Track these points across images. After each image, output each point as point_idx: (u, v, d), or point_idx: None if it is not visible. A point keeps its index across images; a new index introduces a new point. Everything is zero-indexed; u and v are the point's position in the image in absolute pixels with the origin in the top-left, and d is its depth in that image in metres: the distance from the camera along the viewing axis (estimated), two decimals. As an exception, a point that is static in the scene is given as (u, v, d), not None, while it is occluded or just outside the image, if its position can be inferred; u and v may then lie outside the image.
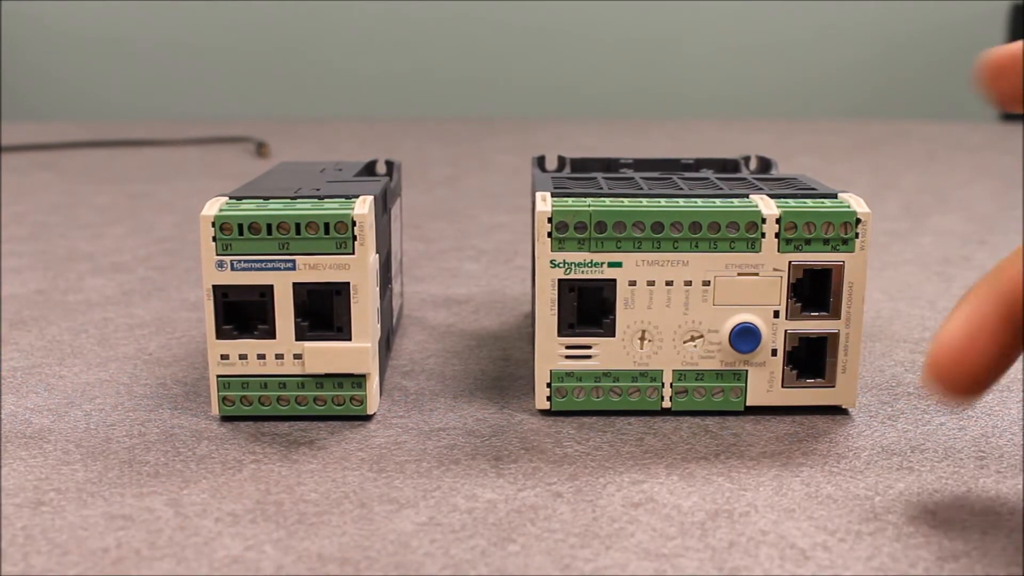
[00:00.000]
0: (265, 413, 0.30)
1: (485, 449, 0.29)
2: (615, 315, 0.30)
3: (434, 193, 0.79)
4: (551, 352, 0.31)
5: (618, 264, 0.30)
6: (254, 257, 0.29)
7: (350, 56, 1.80)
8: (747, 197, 0.30)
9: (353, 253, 0.29)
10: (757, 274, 0.30)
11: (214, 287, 0.29)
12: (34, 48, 1.80)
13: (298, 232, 0.29)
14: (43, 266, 0.52)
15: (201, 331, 0.40)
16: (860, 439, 0.29)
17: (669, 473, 0.27)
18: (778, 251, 0.30)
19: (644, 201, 0.30)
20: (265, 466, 0.28)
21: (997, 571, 0.22)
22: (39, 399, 0.33)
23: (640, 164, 0.39)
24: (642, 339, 0.30)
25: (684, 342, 0.30)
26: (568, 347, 0.31)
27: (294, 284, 0.29)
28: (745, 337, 0.30)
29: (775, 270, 0.30)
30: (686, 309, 0.30)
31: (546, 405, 0.31)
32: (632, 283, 0.30)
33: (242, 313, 0.30)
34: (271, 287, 0.29)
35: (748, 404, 0.31)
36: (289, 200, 0.30)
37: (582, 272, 0.30)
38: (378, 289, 0.31)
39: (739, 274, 0.30)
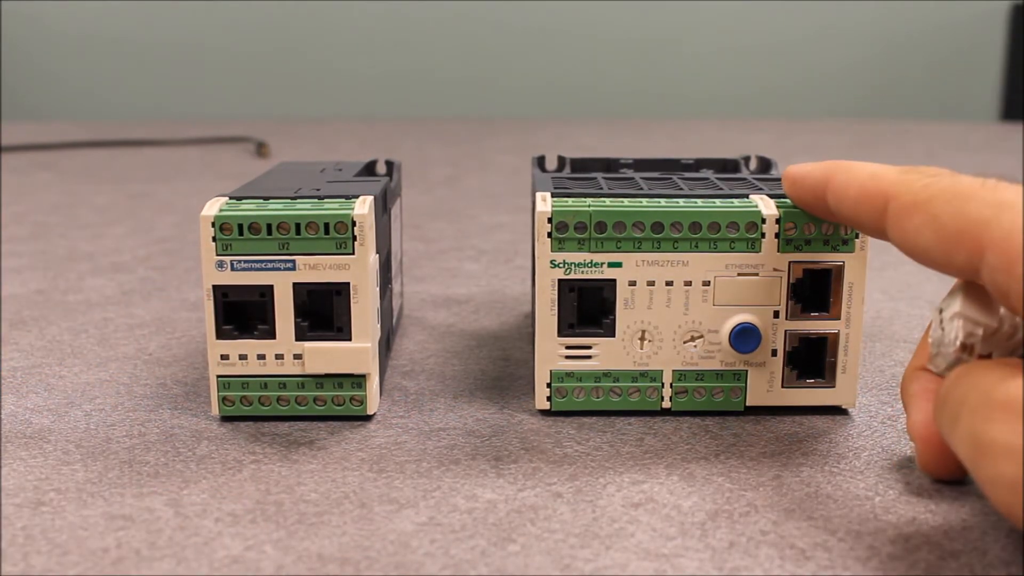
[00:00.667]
0: (265, 413, 0.30)
1: (485, 449, 0.29)
2: (615, 315, 0.30)
3: (434, 193, 0.79)
4: (551, 352, 0.31)
5: (618, 264, 0.30)
6: (254, 257, 0.29)
7: (350, 56, 1.80)
8: (747, 197, 0.30)
9: (353, 253, 0.29)
10: (757, 274, 0.30)
11: (214, 287, 0.29)
12: (34, 48, 1.80)
13: (298, 232, 0.29)
14: (43, 266, 0.52)
15: (201, 331, 0.40)
16: (860, 439, 0.29)
17: (669, 473, 0.27)
18: (778, 251, 0.30)
19: (644, 201, 0.30)
20: (265, 466, 0.28)
21: (997, 571, 0.22)
22: (39, 399, 0.33)
23: (640, 164, 0.39)
24: (642, 339, 0.30)
25: (684, 342, 0.30)
26: (568, 347, 0.31)
27: (294, 284, 0.29)
28: (745, 337, 0.30)
29: (775, 270, 0.30)
30: (686, 309, 0.30)
31: (546, 405, 0.31)
32: (632, 283, 0.30)
33: (242, 313, 0.30)
34: (271, 287, 0.29)
35: (748, 404, 0.31)
36: (289, 200, 0.30)
37: (582, 272, 0.30)
38: (378, 289, 0.31)
39: (739, 274, 0.30)
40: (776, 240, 0.30)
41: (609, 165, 0.40)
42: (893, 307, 0.44)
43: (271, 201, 0.30)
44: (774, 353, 0.31)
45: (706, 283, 0.30)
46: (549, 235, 0.30)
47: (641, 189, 0.32)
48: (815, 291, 0.31)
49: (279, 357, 0.30)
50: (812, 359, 0.31)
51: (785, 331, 0.30)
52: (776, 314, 0.30)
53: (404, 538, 0.24)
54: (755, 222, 0.29)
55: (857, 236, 0.30)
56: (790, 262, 0.30)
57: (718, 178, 0.34)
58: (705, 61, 1.82)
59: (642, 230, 0.29)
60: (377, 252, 0.31)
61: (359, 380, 0.30)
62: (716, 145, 1.12)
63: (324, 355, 0.30)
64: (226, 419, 0.31)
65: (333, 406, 0.30)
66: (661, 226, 0.29)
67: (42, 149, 1.08)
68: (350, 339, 0.30)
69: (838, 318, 0.30)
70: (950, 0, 1.81)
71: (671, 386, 0.31)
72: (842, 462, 0.28)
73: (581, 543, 0.23)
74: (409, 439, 0.29)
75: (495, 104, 1.81)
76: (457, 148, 1.10)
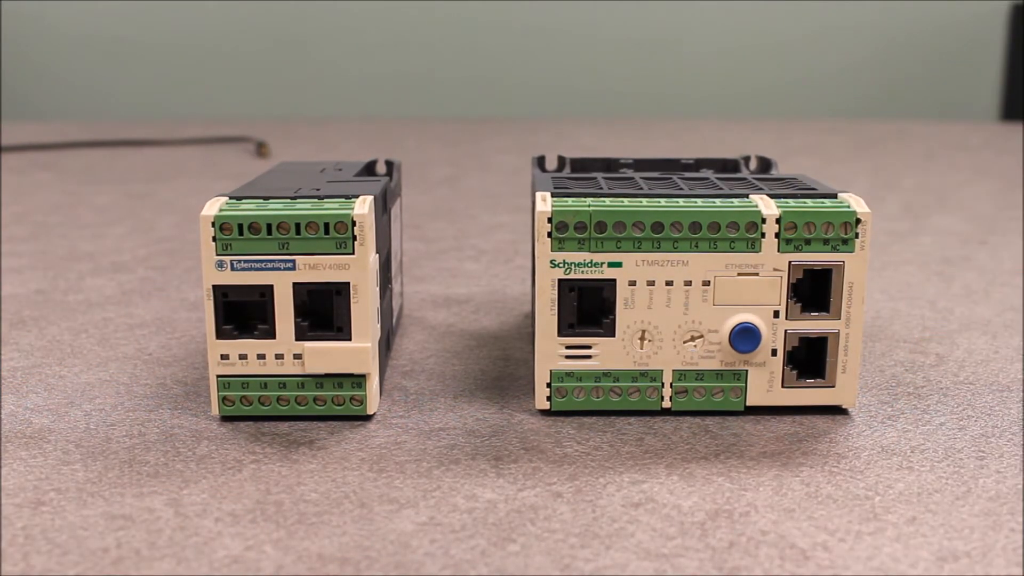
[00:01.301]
0: (265, 413, 0.30)
1: (485, 449, 0.29)
2: (615, 315, 0.30)
3: (434, 193, 0.79)
4: (551, 352, 0.31)
5: (618, 264, 0.30)
6: (254, 257, 0.29)
7: (350, 56, 1.80)
8: (747, 197, 0.30)
9: (353, 253, 0.29)
10: (757, 274, 0.30)
11: (214, 287, 0.29)
12: (34, 48, 1.80)
13: (298, 232, 0.29)
14: (43, 266, 0.52)
15: (201, 331, 0.40)
16: (860, 439, 0.29)
17: (669, 473, 0.27)
18: (778, 251, 0.30)
19: (644, 201, 0.30)
20: (265, 466, 0.28)
21: (997, 571, 0.22)
22: (39, 399, 0.33)
23: (640, 164, 0.39)
24: (642, 339, 0.30)
25: (684, 342, 0.30)
26: (568, 347, 0.31)
27: (294, 284, 0.29)
28: (745, 337, 0.30)
29: (775, 270, 0.30)
30: (686, 309, 0.30)
31: (546, 405, 0.31)
32: (632, 283, 0.30)
33: (242, 313, 0.30)
34: (271, 287, 0.29)
35: (748, 404, 0.31)
36: (289, 200, 0.30)
37: (582, 272, 0.30)
38: (378, 289, 0.31)
39: (739, 274, 0.30)
40: (776, 240, 0.30)
41: (609, 165, 0.40)
42: (893, 307, 0.44)
43: (271, 201, 0.30)
44: (774, 353, 0.31)
45: (706, 283, 0.30)
46: (549, 235, 0.30)
47: (641, 189, 0.32)
48: (815, 291, 0.31)
49: (279, 357, 0.30)
50: (812, 359, 0.31)
51: (785, 331, 0.30)
52: (776, 314, 0.30)
53: (404, 538, 0.24)
54: (755, 222, 0.29)
55: (857, 236, 0.30)
56: (790, 262, 0.30)
57: (718, 178, 0.34)
58: (705, 61, 1.82)
59: (642, 230, 0.29)
60: (377, 252, 0.31)
61: (359, 380, 0.30)
62: (716, 145, 1.12)
63: (324, 355, 0.30)
64: (226, 419, 0.31)
65: (333, 406, 0.30)
66: (661, 226, 0.29)
67: (42, 149, 1.08)
68: (350, 339, 0.30)
69: (838, 318, 0.30)
70: (950, 0, 1.81)
71: (671, 386, 0.31)
72: (842, 462, 0.28)
73: (581, 543, 0.23)
74: (409, 439, 0.29)
75: (495, 104, 1.81)
76: (457, 148, 1.10)
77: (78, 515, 0.25)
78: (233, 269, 0.29)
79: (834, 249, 0.30)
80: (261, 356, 0.30)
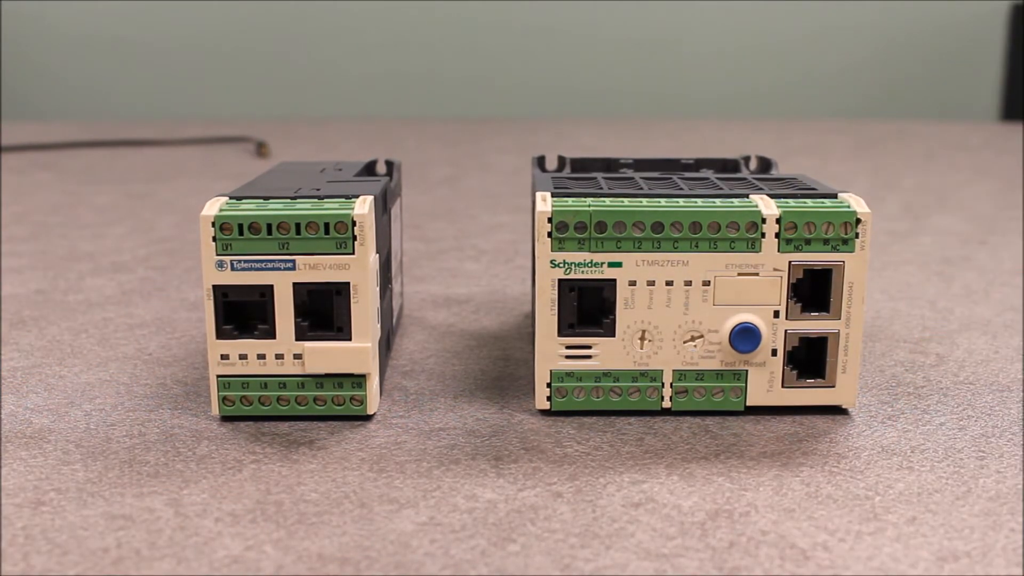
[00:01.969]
0: (265, 413, 0.30)
1: (485, 449, 0.29)
2: (615, 315, 0.30)
3: (434, 193, 0.79)
4: (551, 352, 0.31)
5: (618, 264, 0.30)
6: (254, 257, 0.29)
7: (350, 56, 1.80)
8: (747, 197, 0.30)
9: (353, 253, 0.29)
10: (757, 274, 0.30)
11: (214, 287, 0.29)
12: (34, 48, 1.80)
13: (298, 232, 0.29)
14: (43, 266, 0.52)
15: (201, 331, 0.40)
16: (860, 439, 0.29)
17: (669, 473, 0.27)
18: (778, 251, 0.30)
19: (644, 201, 0.30)
20: (265, 466, 0.28)
21: (997, 571, 0.22)
22: (39, 399, 0.33)
23: (640, 164, 0.39)
24: (642, 339, 0.30)
25: (684, 342, 0.30)
26: (568, 347, 0.31)
27: (294, 284, 0.29)
28: (745, 337, 0.30)
29: (775, 270, 0.30)
30: (686, 309, 0.30)
31: (546, 405, 0.31)
32: (632, 283, 0.30)
33: (242, 313, 0.30)
34: (271, 287, 0.29)
35: (748, 404, 0.31)
36: (289, 200, 0.30)
37: (582, 272, 0.30)
38: (378, 289, 0.31)
39: (739, 274, 0.30)
40: (776, 240, 0.30)
41: (609, 165, 0.40)
42: (893, 307, 0.44)
43: (271, 201, 0.30)
44: (774, 353, 0.31)
45: (706, 283, 0.30)
46: (549, 235, 0.30)
47: (641, 189, 0.32)
48: (815, 291, 0.31)
49: (279, 357, 0.30)
50: (812, 359, 0.31)
51: (785, 331, 0.30)
52: (776, 314, 0.30)
53: (404, 538, 0.24)
54: (755, 222, 0.29)
55: (857, 236, 0.30)
56: (790, 262, 0.30)
57: (718, 178, 0.34)
58: (705, 61, 1.82)
59: (642, 230, 0.29)
60: (377, 252, 0.31)
61: (359, 380, 0.30)
62: (716, 145, 1.12)
63: (324, 355, 0.30)
64: (226, 419, 0.31)
65: (333, 406, 0.30)
66: (661, 226, 0.29)
67: (42, 149, 1.08)
68: (350, 339, 0.30)
69: (838, 318, 0.30)
70: (950, 0, 1.81)
71: (671, 386, 0.31)
72: (842, 462, 0.28)
73: (581, 543, 0.23)
74: (409, 439, 0.29)
75: (495, 104, 1.81)
76: (457, 148, 1.10)
77: (78, 515, 0.25)
78: (233, 269, 0.29)
79: (834, 249, 0.30)
80: (261, 356, 0.30)
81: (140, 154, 1.05)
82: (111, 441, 0.29)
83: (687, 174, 0.36)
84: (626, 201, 0.30)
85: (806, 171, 0.92)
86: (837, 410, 0.32)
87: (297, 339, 0.30)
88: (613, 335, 0.30)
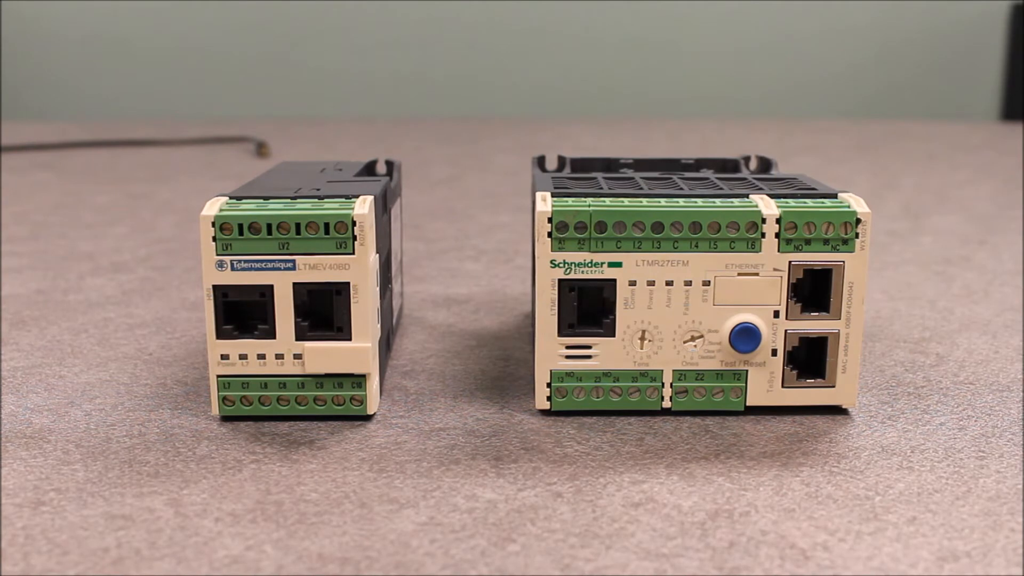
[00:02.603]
0: (265, 413, 0.30)
1: (485, 449, 0.29)
2: (615, 315, 0.30)
3: (434, 193, 0.79)
4: (551, 352, 0.31)
5: (618, 264, 0.30)
6: (254, 257, 0.29)
7: (350, 56, 1.80)
8: (747, 197, 0.30)
9: (353, 253, 0.29)
10: (757, 274, 0.30)
11: (214, 287, 0.29)
12: (34, 48, 1.80)
13: (298, 232, 0.29)
14: (43, 266, 0.52)
15: (201, 331, 0.40)
16: (860, 439, 0.29)
17: (669, 473, 0.27)
18: (778, 251, 0.30)
19: (644, 201, 0.30)
20: (265, 466, 0.28)
21: (997, 571, 0.22)
22: (39, 399, 0.33)
23: (640, 164, 0.39)
24: (642, 339, 0.30)
25: (684, 342, 0.30)
26: (568, 347, 0.31)
27: (294, 284, 0.29)
28: (745, 337, 0.30)
29: (775, 270, 0.30)
30: (686, 309, 0.30)
31: (546, 405, 0.31)
32: (632, 283, 0.30)
33: (242, 313, 0.30)
34: (271, 287, 0.29)
35: (748, 404, 0.31)
36: (289, 200, 0.30)
37: (582, 272, 0.30)
38: (378, 289, 0.31)
39: (739, 274, 0.30)
40: (776, 240, 0.30)
41: (609, 165, 0.40)
42: (893, 307, 0.44)
43: (271, 201, 0.30)
44: (774, 353, 0.31)
45: (706, 283, 0.30)
46: (549, 235, 0.30)
47: (641, 189, 0.32)
48: (815, 291, 0.31)
49: (279, 357, 0.30)
50: (812, 359, 0.31)
51: (785, 331, 0.30)
52: (776, 314, 0.30)
53: (404, 538, 0.24)
54: (755, 222, 0.29)
55: (857, 236, 0.30)
56: (790, 262, 0.30)
57: (718, 178, 0.34)
58: (705, 61, 1.82)
59: (642, 230, 0.29)
60: (377, 252, 0.31)
61: (359, 380, 0.30)
62: (716, 145, 1.12)
63: (324, 355, 0.30)
64: (226, 419, 0.31)
65: (333, 406, 0.30)
66: (661, 226, 0.29)
67: (42, 149, 1.08)
68: (350, 339, 0.30)
69: (838, 318, 0.30)
70: (950, 0, 1.81)
71: (671, 386, 0.31)
72: (842, 462, 0.28)
73: (581, 543, 0.23)
74: (409, 439, 0.29)
75: (495, 104, 1.81)
76: (457, 148, 1.10)
77: (78, 515, 0.25)
78: (233, 269, 0.29)
79: (834, 249, 0.30)
80: (261, 356, 0.30)
81: (140, 154, 1.05)
82: (111, 441, 0.29)
83: (687, 174, 0.36)
84: (626, 201, 0.30)
85: (806, 171, 0.92)
86: (837, 410, 0.32)
87: (297, 339, 0.30)
88: (613, 335, 0.30)
